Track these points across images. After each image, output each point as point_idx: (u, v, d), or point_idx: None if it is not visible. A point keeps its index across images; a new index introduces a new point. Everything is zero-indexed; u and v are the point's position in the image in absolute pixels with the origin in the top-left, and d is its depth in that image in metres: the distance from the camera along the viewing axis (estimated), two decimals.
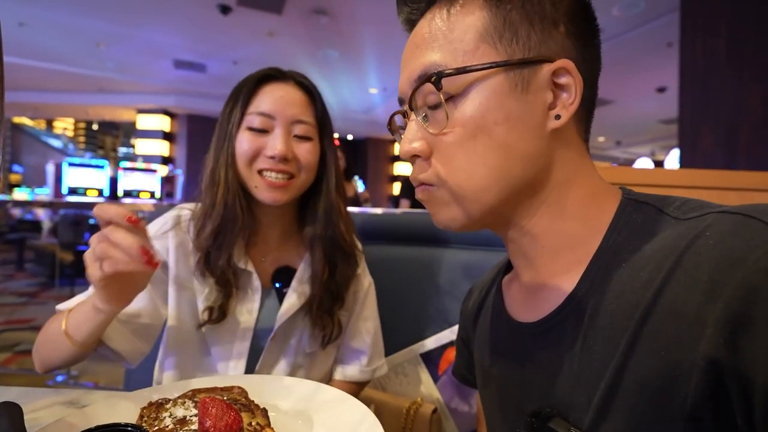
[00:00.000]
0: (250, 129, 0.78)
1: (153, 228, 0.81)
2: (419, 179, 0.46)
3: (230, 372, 0.78)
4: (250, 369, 0.79)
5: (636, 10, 4.51)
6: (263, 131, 0.78)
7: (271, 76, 0.81)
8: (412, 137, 0.45)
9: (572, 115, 0.42)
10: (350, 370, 0.87)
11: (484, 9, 0.42)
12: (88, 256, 0.55)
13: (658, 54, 5.48)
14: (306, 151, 0.80)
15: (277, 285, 0.84)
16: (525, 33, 0.41)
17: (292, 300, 0.81)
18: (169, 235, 0.80)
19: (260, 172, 0.78)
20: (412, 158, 0.46)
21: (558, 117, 0.42)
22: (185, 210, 0.83)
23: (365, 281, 0.91)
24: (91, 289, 0.69)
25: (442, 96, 0.42)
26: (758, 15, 3.04)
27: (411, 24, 0.48)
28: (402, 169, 11.28)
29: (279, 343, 0.81)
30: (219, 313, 0.76)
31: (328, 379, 0.89)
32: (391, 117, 0.51)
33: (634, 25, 4.87)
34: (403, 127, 0.49)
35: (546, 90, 0.42)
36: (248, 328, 0.79)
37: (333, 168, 0.85)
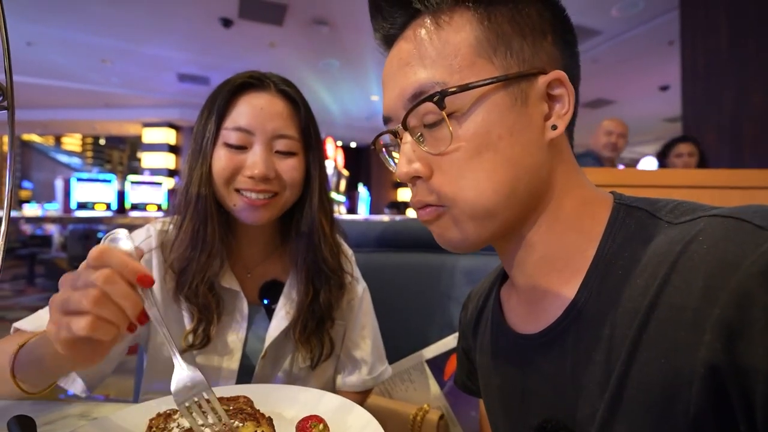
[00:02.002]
0: (227, 145, 0.72)
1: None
2: (426, 202, 0.45)
3: None
4: None
5: (635, 10, 4.51)
6: (241, 148, 0.72)
7: (249, 84, 0.74)
8: (410, 158, 0.44)
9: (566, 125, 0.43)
10: (353, 380, 0.85)
11: (475, 23, 0.42)
12: (59, 305, 0.41)
13: (660, 52, 5.46)
14: (290, 168, 0.74)
15: (266, 301, 0.80)
16: (518, 45, 0.42)
17: (280, 317, 0.77)
18: (154, 253, 0.75)
19: (239, 190, 0.72)
20: (413, 179, 0.45)
21: (554, 127, 0.42)
22: (170, 225, 0.77)
23: (359, 288, 0.87)
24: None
25: (444, 114, 0.41)
26: (758, 11, 3.03)
27: (389, 40, 0.47)
28: None
29: (271, 361, 0.77)
30: (203, 338, 0.72)
31: (329, 389, 0.86)
32: (377, 137, 0.49)
33: (634, 25, 4.87)
34: (390, 145, 0.49)
35: (542, 102, 0.43)
36: (236, 350, 0.75)
37: (317, 184, 0.78)
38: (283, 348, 0.79)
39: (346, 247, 0.89)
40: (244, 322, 0.77)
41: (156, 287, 0.74)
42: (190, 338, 0.72)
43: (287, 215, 0.80)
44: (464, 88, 0.40)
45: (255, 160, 0.71)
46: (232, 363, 0.75)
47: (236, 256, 0.80)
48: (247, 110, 0.72)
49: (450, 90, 0.40)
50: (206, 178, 0.72)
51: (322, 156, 0.80)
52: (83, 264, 0.43)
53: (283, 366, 0.78)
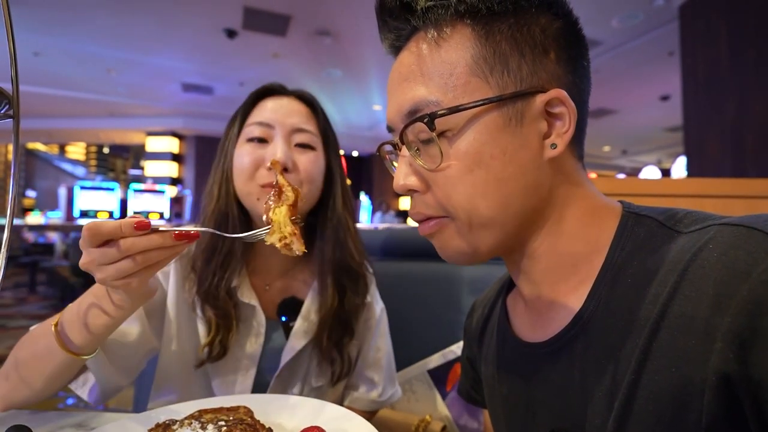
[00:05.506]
0: (249, 140, 0.74)
1: None
2: (426, 214, 0.45)
3: None
4: None
5: (635, 21, 4.55)
6: (262, 141, 0.74)
7: (272, 90, 0.79)
8: (406, 172, 0.45)
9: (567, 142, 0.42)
10: (362, 402, 0.83)
11: (473, 40, 0.41)
12: (111, 276, 0.47)
13: (660, 63, 5.50)
14: (308, 161, 0.74)
15: (283, 318, 0.79)
16: (516, 64, 0.41)
17: (299, 336, 0.76)
18: (172, 261, 0.74)
19: (261, 186, 0.72)
20: (409, 192, 0.46)
21: (554, 146, 0.42)
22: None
23: (377, 308, 0.86)
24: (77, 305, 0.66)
25: (434, 134, 0.41)
26: (757, 20, 3.05)
27: (396, 50, 0.48)
28: None
29: (284, 379, 0.76)
30: (219, 349, 0.71)
31: None
32: (381, 146, 0.50)
33: (634, 36, 4.91)
34: (392, 153, 0.49)
35: (540, 120, 0.42)
36: (251, 365, 0.74)
37: (339, 181, 0.80)
38: (298, 367, 0.77)
39: (368, 264, 0.87)
40: (261, 337, 0.75)
41: (172, 296, 0.74)
42: (206, 351, 0.71)
43: (308, 226, 0.80)
44: (454, 110, 0.40)
45: (275, 149, 0.73)
46: (247, 378, 0.74)
47: (255, 266, 0.79)
48: (269, 108, 0.76)
49: (440, 112, 0.41)
50: (227, 176, 0.75)
51: (339, 157, 0.82)
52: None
53: (295, 385, 0.77)
